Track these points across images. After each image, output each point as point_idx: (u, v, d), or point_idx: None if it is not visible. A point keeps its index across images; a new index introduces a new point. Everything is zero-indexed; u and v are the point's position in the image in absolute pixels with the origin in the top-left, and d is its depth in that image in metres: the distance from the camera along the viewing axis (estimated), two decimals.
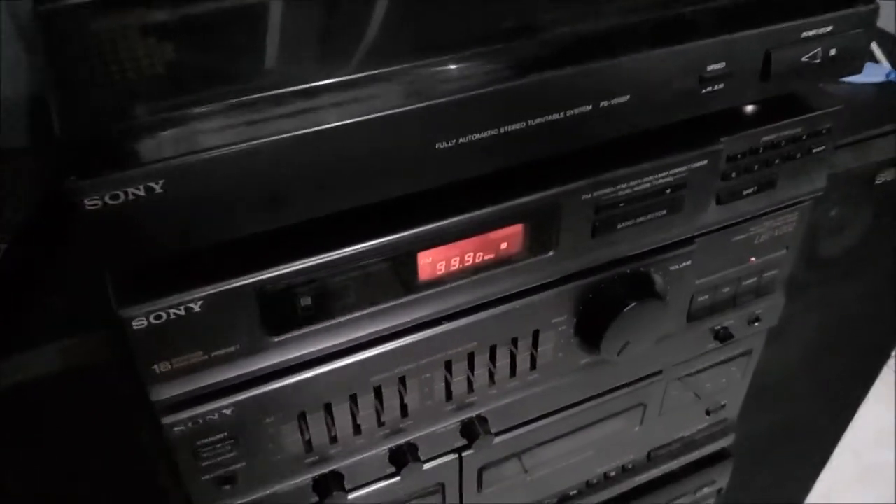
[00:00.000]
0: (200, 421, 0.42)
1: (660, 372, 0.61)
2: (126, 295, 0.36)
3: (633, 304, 0.50)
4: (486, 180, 0.41)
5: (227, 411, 0.42)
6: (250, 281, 0.38)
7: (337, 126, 0.35)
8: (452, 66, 0.37)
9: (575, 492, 0.66)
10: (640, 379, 0.60)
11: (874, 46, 0.82)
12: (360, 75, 0.36)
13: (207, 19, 0.39)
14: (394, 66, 0.36)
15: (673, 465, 0.70)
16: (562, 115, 0.40)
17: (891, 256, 0.83)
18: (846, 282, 0.84)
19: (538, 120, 0.40)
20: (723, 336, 0.60)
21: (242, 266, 0.38)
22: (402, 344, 0.45)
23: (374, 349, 0.44)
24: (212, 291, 0.37)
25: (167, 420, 0.41)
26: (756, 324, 0.62)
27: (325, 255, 0.39)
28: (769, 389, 0.93)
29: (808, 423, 1.04)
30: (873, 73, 0.78)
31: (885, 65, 0.79)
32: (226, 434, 0.43)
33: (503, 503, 0.62)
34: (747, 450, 0.99)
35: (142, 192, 0.32)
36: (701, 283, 0.55)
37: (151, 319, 0.36)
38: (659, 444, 0.68)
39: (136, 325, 0.36)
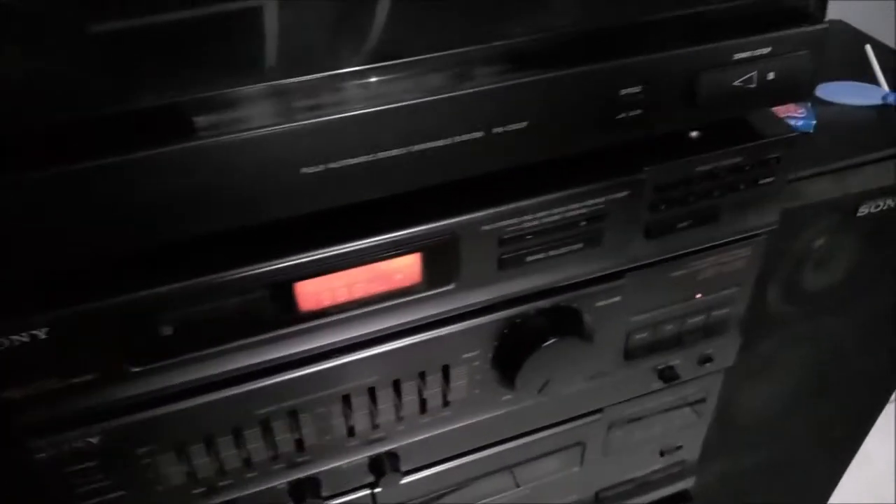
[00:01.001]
0: (66, 447, 0.40)
1: (599, 410, 0.57)
2: None
3: (552, 341, 0.46)
4: (381, 207, 0.39)
5: (94, 440, 0.40)
6: (100, 307, 0.36)
7: (192, 146, 0.33)
8: (321, 86, 0.34)
9: None
10: (575, 418, 0.56)
11: (875, 66, 0.77)
12: (216, 93, 0.33)
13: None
14: (254, 85, 0.34)
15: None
16: (448, 141, 0.37)
17: (884, 291, 0.77)
18: (838, 316, 0.79)
19: (420, 147, 0.37)
20: (668, 376, 0.56)
21: (93, 291, 0.36)
22: (286, 378, 0.42)
23: (255, 382, 0.42)
24: (57, 317, 0.35)
25: (30, 444, 0.39)
26: (707, 364, 0.57)
27: (184, 282, 0.37)
28: (757, 427, 0.89)
29: (803, 462, 0.99)
30: (869, 96, 0.73)
31: (884, 87, 0.74)
32: (97, 462, 0.41)
33: None
34: (735, 488, 0.95)
35: None
36: (638, 320, 0.52)
37: None
38: (607, 484, 0.64)
39: None
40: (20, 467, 0.42)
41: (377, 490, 0.52)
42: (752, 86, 0.42)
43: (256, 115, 0.33)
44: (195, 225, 0.35)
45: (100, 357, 0.37)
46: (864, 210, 0.65)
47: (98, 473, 0.42)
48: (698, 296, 0.53)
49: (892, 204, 0.66)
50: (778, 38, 0.42)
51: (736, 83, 0.42)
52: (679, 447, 0.65)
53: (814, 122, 0.68)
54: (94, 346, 0.37)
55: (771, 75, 0.42)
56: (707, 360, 0.57)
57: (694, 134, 0.47)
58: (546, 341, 0.46)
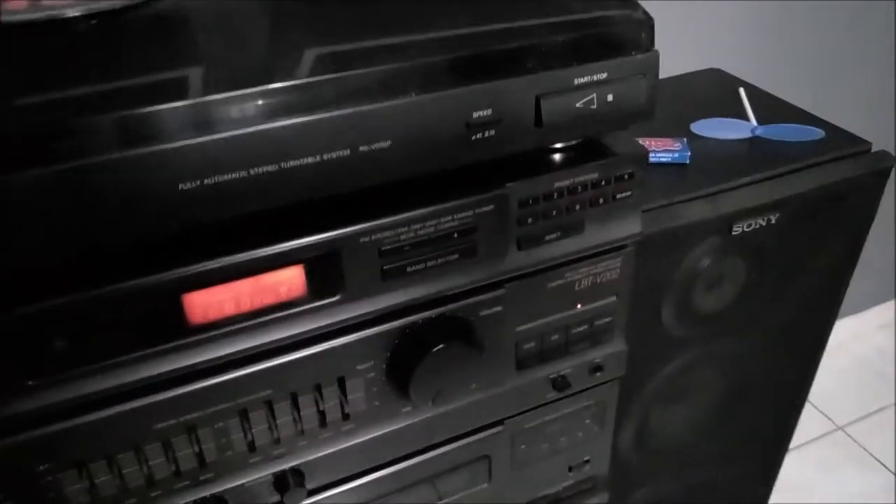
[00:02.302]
0: None
1: (501, 422, 0.60)
2: None
3: (439, 347, 0.50)
4: (265, 221, 0.43)
5: None
6: None
7: (75, 165, 0.36)
8: (193, 108, 0.38)
9: None
10: (478, 430, 0.59)
11: (745, 104, 0.85)
12: (100, 116, 0.37)
13: None
14: (133, 109, 0.37)
15: None
16: (317, 158, 0.42)
17: (776, 312, 0.83)
18: (738, 338, 0.84)
19: (291, 163, 0.41)
20: (560, 385, 0.60)
21: None
22: (182, 391, 0.45)
23: (152, 396, 0.44)
24: None
25: None
26: (598, 373, 0.61)
27: (74, 295, 0.40)
28: (677, 452, 0.92)
29: (726, 487, 1.02)
30: (739, 130, 0.81)
31: (753, 122, 0.81)
32: None
33: None
34: None
35: None
36: (523, 330, 0.56)
37: None
38: (521, 501, 0.67)
39: None
40: None
41: None
42: (594, 107, 0.48)
43: (136, 136, 0.37)
44: (82, 239, 0.38)
45: None
46: (737, 229, 0.71)
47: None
48: (579, 306, 0.57)
49: (762, 223, 0.72)
50: (613, 65, 0.48)
51: (579, 105, 0.47)
52: (587, 461, 0.68)
53: (689, 153, 0.75)
54: None
55: (610, 97, 0.48)
56: (597, 368, 0.61)
57: (557, 156, 0.53)
58: (432, 350, 0.50)
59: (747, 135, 0.80)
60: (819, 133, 0.79)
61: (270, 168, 0.41)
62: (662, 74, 0.50)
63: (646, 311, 0.74)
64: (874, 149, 0.78)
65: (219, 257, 0.42)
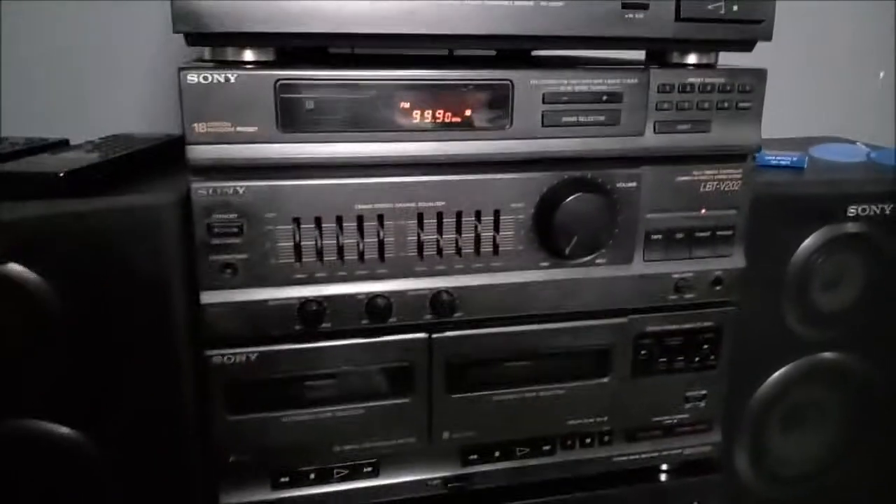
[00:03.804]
0: (218, 192, 0.55)
1: (625, 314, 0.67)
2: (187, 66, 0.53)
3: (579, 195, 0.60)
4: (465, 59, 0.57)
5: (241, 190, 0.55)
6: (270, 74, 0.54)
7: None
8: None
9: (548, 447, 0.68)
10: (604, 313, 0.66)
11: (859, 143, 0.95)
12: None
13: None
14: None
15: (653, 452, 0.71)
16: (510, 2, 0.56)
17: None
18: (858, 353, 0.85)
19: (490, 2, 0.56)
20: (682, 287, 0.66)
21: (269, 64, 0.54)
22: (381, 181, 0.58)
23: (359, 179, 0.57)
24: (244, 73, 0.53)
25: (194, 185, 0.55)
26: (718, 287, 0.68)
27: (326, 72, 0.55)
28: (803, 482, 0.90)
29: None
30: (855, 154, 0.90)
31: (865, 149, 0.91)
32: (236, 215, 0.55)
33: (471, 427, 0.66)
34: None
35: None
36: (652, 218, 0.65)
37: (200, 79, 0.52)
38: (637, 422, 0.70)
39: (188, 80, 0.52)
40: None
41: (435, 335, 0.62)
42: (721, 12, 0.61)
43: None
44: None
45: (263, 113, 0.54)
46: (853, 211, 0.78)
47: (233, 227, 0.56)
48: (703, 211, 0.66)
49: (876, 210, 0.79)
50: None
51: (710, 7, 0.61)
52: (703, 394, 0.71)
53: (807, 158, 0.85)
54: (261, 104, 0.54)
55: (735, 7, 0.61)
56: (717, 281, 0.68)
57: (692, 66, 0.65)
58: (575, 194, 0.60)
59: (862, 158, 0.89)
60: None
61: (475, 3, 0.56)
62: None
63: (765, 298, 0.79)
64: None
65: (430, 69, 0.57)
